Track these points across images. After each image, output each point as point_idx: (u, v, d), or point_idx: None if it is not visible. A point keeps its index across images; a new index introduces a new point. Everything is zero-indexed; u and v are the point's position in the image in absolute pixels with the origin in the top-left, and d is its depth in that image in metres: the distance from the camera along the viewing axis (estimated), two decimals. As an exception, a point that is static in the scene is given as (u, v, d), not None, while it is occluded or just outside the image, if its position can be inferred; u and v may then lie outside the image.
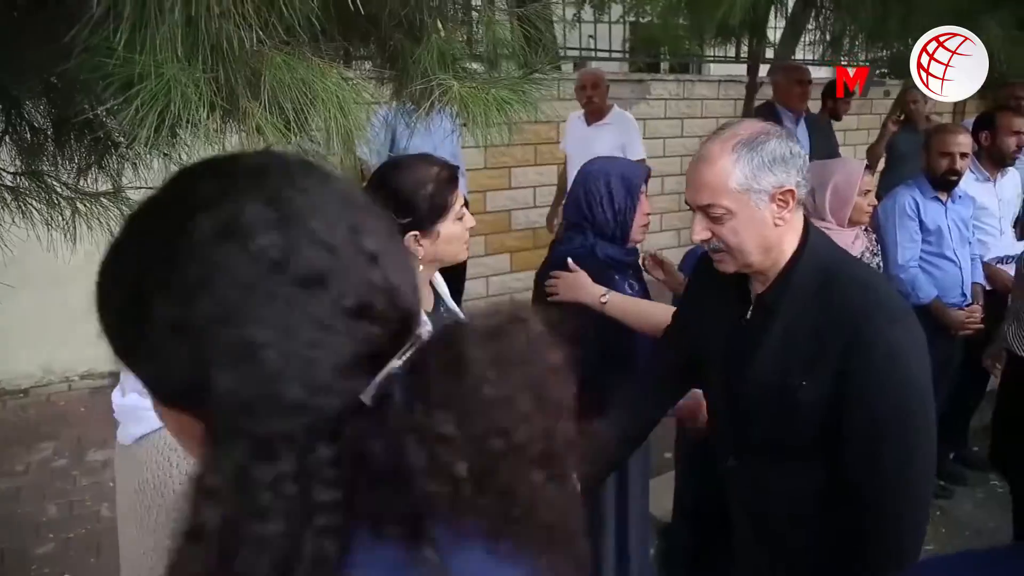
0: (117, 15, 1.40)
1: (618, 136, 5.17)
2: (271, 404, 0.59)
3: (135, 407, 1.11)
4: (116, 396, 1.17)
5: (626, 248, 2.31)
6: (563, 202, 5.22)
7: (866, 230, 3.17)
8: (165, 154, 1.88)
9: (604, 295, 2.20)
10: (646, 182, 2.32)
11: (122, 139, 2.02)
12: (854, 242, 3.02)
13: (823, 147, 4.62)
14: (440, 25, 2.08)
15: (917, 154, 3.88)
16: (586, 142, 4.92)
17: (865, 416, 1.52)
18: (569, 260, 2.29)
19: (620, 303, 2.21)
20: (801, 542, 1.70)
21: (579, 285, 2.24)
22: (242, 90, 1.61)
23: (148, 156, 1.88)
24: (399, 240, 0.71)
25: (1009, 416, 3.33)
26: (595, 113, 5.21)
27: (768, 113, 4.66)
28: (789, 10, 4.75)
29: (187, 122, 1.59)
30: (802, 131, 4.58)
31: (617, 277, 2.30)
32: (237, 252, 0.59)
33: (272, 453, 0.60)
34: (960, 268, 3.61)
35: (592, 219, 2.26)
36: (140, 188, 1.95)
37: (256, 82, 1.62)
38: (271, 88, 1.57)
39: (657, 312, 2.18)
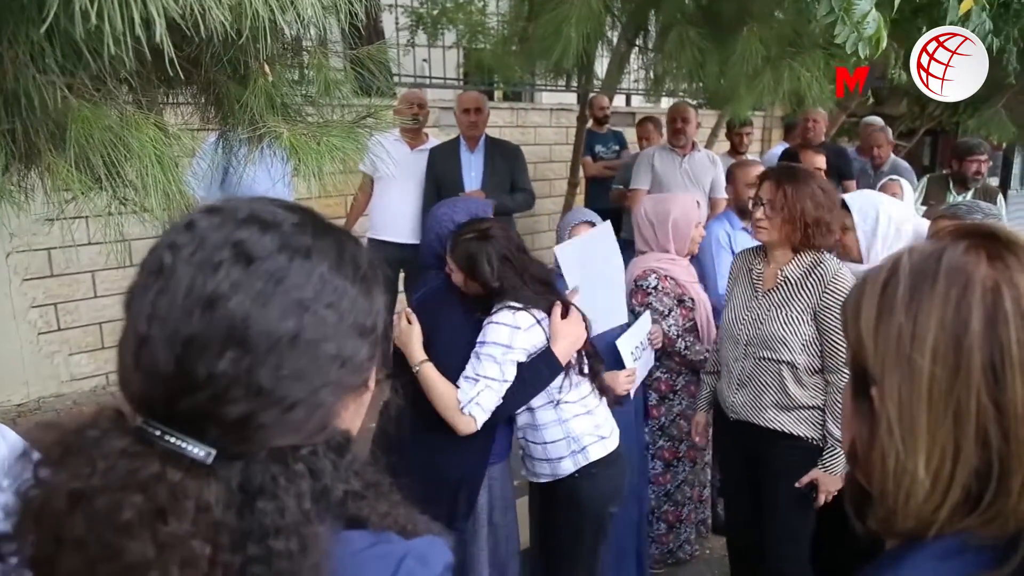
0: None
1: None
2: None
3: None
4: None
5: None
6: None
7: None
8: (-46, 207, 1.69)
9: (421, 362, 2.22)
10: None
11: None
12: (693, 270, 3.21)
13: (500, 169, 4.76)
14: (267, 68, 2.00)
15: None
16: (410, 167, 4.68)
17: None
18: (407, 310, 2.28)
19: (428, 376, 2.22)
20: None
21: (409, 340, 2.24)
22: (44, 144, 1.47)
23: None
24: None
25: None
26: (417, 136, 4.91)
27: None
28: (612, 44, 4.97)
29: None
30: (478, 155, 4.75)
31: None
32: None
33: None
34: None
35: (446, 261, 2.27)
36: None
37: (62, 135, 1.49)
38: (76, 143, 1.44)
39: (447, 391, 2.20)
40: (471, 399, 2.16)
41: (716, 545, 3.61)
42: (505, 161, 4.74)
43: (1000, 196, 5.49)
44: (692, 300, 3.11)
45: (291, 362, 0.68)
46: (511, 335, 2.19)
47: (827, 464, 2.45)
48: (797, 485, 2.45)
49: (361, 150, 2.16)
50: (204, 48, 1.80)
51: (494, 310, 2.23)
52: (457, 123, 4.78)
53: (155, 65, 1.70)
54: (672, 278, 3.09)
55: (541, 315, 2.26)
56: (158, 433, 0.66)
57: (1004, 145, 9.06)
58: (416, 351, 2.22)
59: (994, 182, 9.28)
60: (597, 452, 2.40)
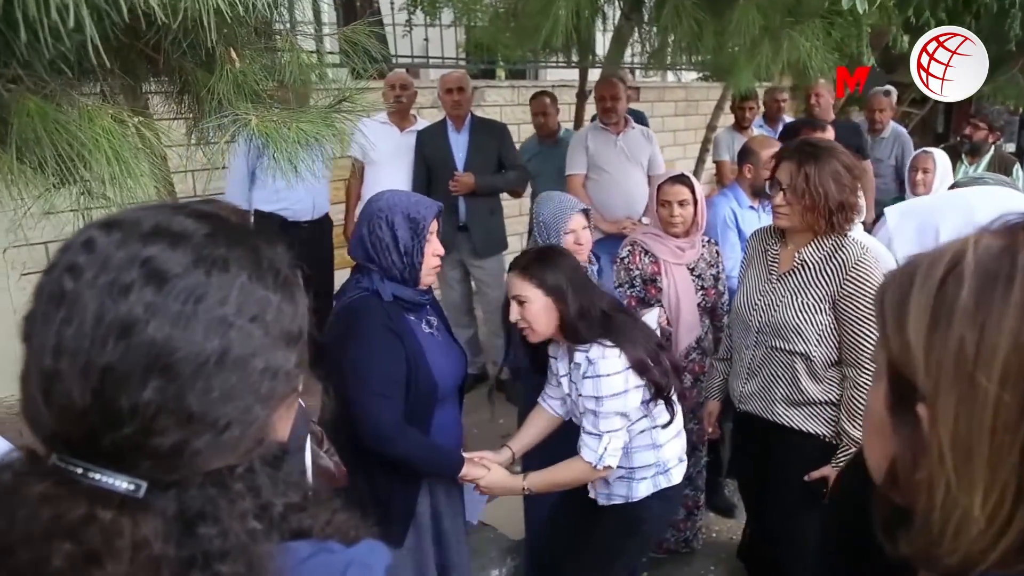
0: None
1: None
2: None
3: None
4: None
5: (418, 289, 2.10)
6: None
7: (710, 241, 3.19)
8: None
9: (525, 487, 2.17)
10: (438, 219, 2.12)
11: None
12: (686, 251, 3.01)
13: (485, 148, 4.59)
14: (234, 54, 1.91)
15: None
16: (401, 149, 4.57)
17: None
18: (479, 456, 2.21)
19: (545, 481, 2.17)
20: None
21: (499, 485, 2.19)
22: (-12, 140, 1.41)
23: None
24: None
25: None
26: (404, 119, 4.73)
27: None
28: (615, 21, 4.84)
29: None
30: (464, 134, 4.56)
31: (412, 318, 2.11)
32: None
33: None
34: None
35: (379, 262, 2.05)
36: None
37: (7, 130, 1.42)
38: (20, 137, 1.37)
39: (572, 472, 2.16)
40: (600, 455, 2.07)
41: (723, 528, 3.55)
42: (491, 139, 4.59)
43: (1017, 165, 5.31)
44: (665, 281, 2.97)
45: (220, 382, 0.63)
46: (625, 379, 2.08)
47: (840, 463, 2.27)
48: (807, 478, 2.31)
49: (338, 135, 2.08)
50: (163, 34, 1.72)
51: (589, 348, 2.10)
52: (441, 104, 4.64)
53: (110, 50, 1.63)
54: (653, 254, 2.99)
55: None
56: (79, 471, 0.61)
57: (1021, 111, 8.86)
58: (513, 487, 2.18)
59: (1010, 148, 9.08)
60: (677, 475, 2.30)
